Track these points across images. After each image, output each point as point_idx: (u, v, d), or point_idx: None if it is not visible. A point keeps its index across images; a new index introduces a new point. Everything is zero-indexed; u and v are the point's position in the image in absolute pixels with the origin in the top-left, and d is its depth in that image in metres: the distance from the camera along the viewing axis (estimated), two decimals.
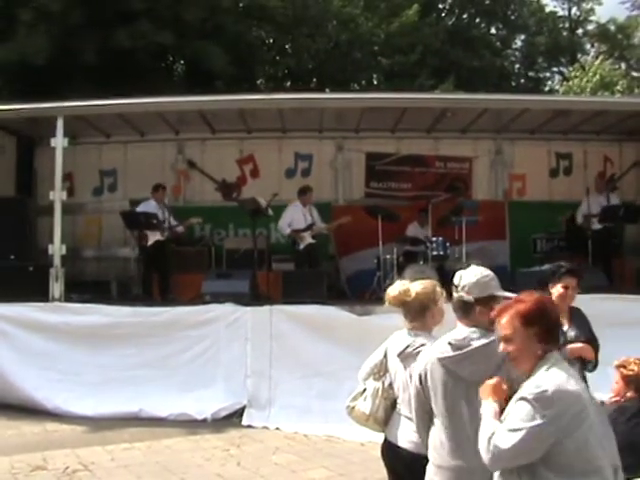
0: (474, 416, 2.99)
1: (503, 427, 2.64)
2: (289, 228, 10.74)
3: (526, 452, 2.59)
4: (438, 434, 3.19)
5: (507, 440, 2.59)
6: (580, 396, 2.64)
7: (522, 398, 2.64)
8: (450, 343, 3.16)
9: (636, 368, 3.96)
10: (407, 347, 3.54)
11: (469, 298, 3.20)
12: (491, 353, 3.04)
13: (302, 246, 10.65)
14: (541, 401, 2.58)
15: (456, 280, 3.28)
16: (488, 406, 2.81)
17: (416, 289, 3.61)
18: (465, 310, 3.21)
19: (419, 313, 3.61)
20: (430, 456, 3.22)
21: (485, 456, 2.67)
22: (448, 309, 3.50)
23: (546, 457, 2.59)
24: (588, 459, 2.60)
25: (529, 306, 2.72)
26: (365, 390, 3.72)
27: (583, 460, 2.59)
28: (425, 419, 3.28)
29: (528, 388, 2.65)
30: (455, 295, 3.27)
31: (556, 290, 4.65)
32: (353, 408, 3.75)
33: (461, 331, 3.19)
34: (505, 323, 2.76)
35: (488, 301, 3.17)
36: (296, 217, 10.74)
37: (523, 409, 2.61)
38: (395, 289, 3.65)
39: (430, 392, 3.21)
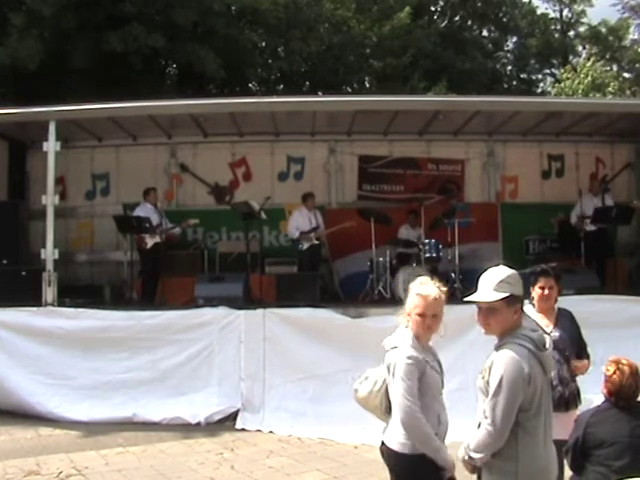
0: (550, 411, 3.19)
1: None
2: (297, 231, 10.88)
3: None
4: (523, 436, 3.11)
5: None
6: None
7: None
8: (538, 339, 3.17)
9: (612, 369, 3.93)
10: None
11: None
12: None
13: (305, 246, 10.80)
14: None
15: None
16: None
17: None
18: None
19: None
20: (517, 462, 3.11)
21: None
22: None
23: None
24: None
25: None
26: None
27: None
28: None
29: None
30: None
31: (534, 292, 4.74)
32: (357, 391, 3.75)
33: (526, 328, 3.24)
34: None
35: None
36: (301, 220, 10.96)
37: None
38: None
39: (534, 392, 3.10)
